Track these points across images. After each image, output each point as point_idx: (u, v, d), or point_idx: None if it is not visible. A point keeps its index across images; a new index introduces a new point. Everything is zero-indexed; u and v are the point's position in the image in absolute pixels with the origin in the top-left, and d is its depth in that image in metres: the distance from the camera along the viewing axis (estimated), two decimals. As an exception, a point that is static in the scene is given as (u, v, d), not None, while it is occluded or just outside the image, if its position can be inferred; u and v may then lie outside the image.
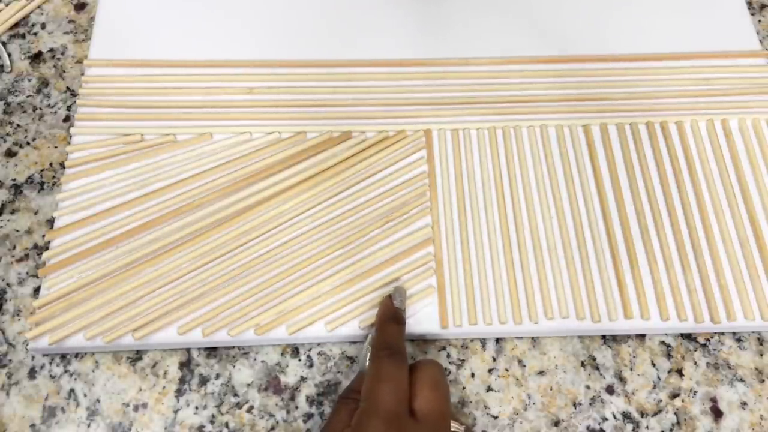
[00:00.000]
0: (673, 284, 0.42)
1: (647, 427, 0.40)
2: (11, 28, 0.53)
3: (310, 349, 0.42)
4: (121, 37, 0.51)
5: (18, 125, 0.49)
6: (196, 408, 0.40)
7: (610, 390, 0.41)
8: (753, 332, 0.42)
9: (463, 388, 0.40)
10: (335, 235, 0.43)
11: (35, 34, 0.53)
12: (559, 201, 0.45)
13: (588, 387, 0.41)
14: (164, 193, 0.45)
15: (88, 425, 0.39)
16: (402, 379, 0.34)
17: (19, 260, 0.44)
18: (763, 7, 0.55)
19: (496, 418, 0.40)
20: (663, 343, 0.42)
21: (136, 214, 0.44)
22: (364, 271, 0.42)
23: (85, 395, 0.40)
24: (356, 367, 0.41)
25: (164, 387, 0.40)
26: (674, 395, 0.41)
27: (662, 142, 0.47)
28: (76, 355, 0.41)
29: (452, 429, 0.34)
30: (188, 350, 0.41)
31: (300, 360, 0.41)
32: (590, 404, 0.40)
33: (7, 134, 0.48)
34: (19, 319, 0.42)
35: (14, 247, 0.44)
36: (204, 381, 0.40)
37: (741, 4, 0.54)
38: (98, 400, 0.40)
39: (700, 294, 0.42)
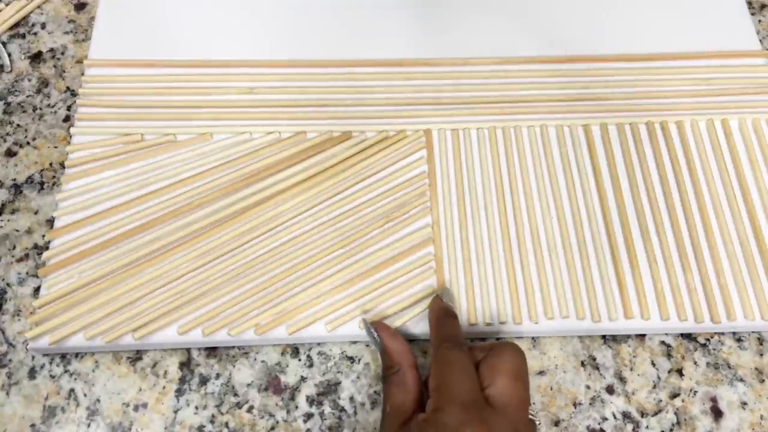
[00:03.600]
0: (673, 284, 0.42)
1: (647, 427, 0.40)
2: (11, 28, 0.53)
3: (310, 349, 0.42)
4: (121, 37, 0.51)
5: (18, 125, 0.49)
6: (196, 408, 0.40)
7: (610, 390, 0.41)
8: (753, 332, 0.42)
9: (463, 388, 0.40)
10: (335, 235, 0.43)
11: (35, 34, 0.53)
12: (559, 201, 0.45)
13: (588, 387, 0.41)
14: (164, 193, 0.45)
15: (88, 425, 0.39)
16: (471, 368, 0.34)
17: (19, 260, 0.44)
18: (763, 7, 0.55)
19: (496, 418, 0.40)
20: (663, 343, 0.42)
21: (136, 214, 0.44)
22: (364, 271, 0.42)
23: (85, 395, 0.40)
24: (356, 367, 0.41)
25: (164, 387, 0.40)
26: (674, 395, 0.41)
27: (662, 142, 0.47)
28: (76, 355, 0.41)
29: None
30: (188, 350, 0.41)
31: (300, 360, 0.41)
32: (590, 404, 0.40)
33: (7, 134, 0.48)
34: (19, 319, 0.42)
35: (14, 247, 0.44)
36: (204, 381, 0.40)
37: (741, 4, 0.54)
38: (98, 400, 0.40)
39: (700, 294, 0.42)
